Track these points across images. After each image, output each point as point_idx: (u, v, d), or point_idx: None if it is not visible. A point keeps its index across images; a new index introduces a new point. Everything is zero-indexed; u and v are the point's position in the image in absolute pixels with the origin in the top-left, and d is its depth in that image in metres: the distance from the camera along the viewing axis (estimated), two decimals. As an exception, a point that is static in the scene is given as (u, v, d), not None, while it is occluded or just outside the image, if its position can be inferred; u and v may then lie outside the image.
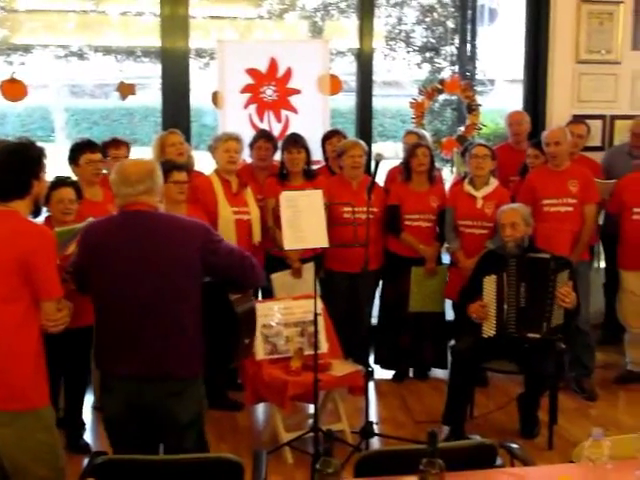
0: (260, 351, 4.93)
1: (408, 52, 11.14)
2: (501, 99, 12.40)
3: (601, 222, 6.38)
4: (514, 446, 3.32)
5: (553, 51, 7.03)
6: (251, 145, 6.07)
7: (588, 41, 7.01)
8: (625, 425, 5.26)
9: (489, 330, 5.02)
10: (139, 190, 3.29)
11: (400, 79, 12.76)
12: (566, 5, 6.96)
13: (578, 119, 6.56)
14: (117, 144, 5.68)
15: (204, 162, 6.22)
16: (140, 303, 3.22)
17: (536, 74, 7.18)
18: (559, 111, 6.99)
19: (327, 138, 6.34)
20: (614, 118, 7.11)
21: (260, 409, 5.53)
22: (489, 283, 5.05)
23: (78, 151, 5.18)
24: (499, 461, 3.00)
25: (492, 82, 13.17)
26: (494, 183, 5.83)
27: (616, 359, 6.41)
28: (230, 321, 3.37)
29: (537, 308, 4.98)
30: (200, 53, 10.28)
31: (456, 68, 10.89)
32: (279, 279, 5.74)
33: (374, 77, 7.08)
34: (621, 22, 7.05)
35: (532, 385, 4.96)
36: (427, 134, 6.65)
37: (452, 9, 11.06)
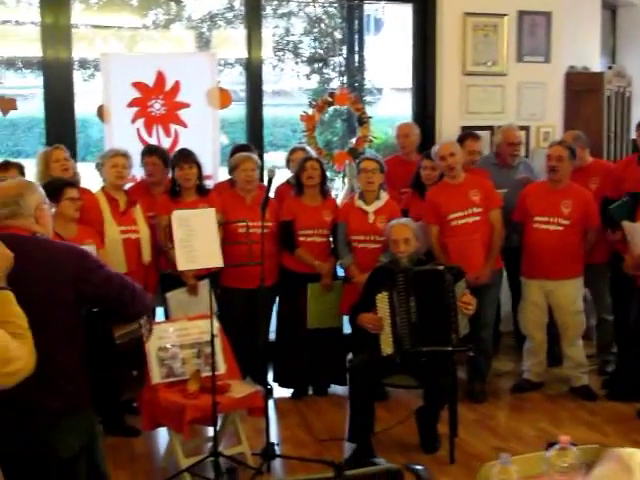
0: (156, 375, 4.76)
1: (296, 63, 11.11)
2: (389, 108, 12.51)
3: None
4: (419, 468, 3.28)
5: (440, 63, 7.08)
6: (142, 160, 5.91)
7: (474, 53, 7.10)
8: (525, 436, 5.26)
9: (387, 348, 4.94)
10: (4, 214, 3.10)
11: (289, 88, 12.75)
12: (452, 18, 7.02)
13: (473, 135, 6.51)
14: (6, 167, 5.38)
15: (89, 175, 6.02)
16: None
17: (424, 86, 7.22)
18: (448, 123, 7.06)
19: (235, 152, 6.12)
20: (502, 129, 7.20)
21: (158, 434, 5.29)
22: (381, 301, 4.97)
23: None
24: (405, 485, 2.95)
25: (380, 91, 13.29)
26: (385, 197, 5.82)
27: (513, 368, 6.47)
28: (111, 352, 3.20)
29: (437, 321, 4.91)
30: (84, 64, 10.02)
31: (345, 79, 10.93)
32: (175, 297, 5.57)
33: (263, 87, 7.01)
34: (505, 34, 7.17)
35: (431, 399, 4.92)
36: (312, 150, 6.51)
37: (339, 20, 11.09)
